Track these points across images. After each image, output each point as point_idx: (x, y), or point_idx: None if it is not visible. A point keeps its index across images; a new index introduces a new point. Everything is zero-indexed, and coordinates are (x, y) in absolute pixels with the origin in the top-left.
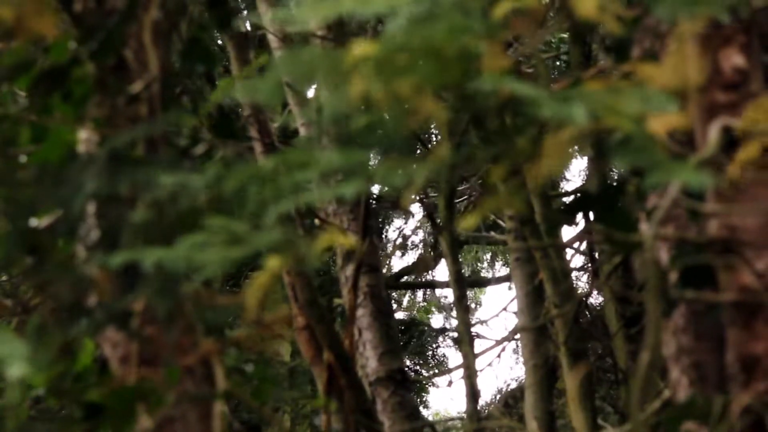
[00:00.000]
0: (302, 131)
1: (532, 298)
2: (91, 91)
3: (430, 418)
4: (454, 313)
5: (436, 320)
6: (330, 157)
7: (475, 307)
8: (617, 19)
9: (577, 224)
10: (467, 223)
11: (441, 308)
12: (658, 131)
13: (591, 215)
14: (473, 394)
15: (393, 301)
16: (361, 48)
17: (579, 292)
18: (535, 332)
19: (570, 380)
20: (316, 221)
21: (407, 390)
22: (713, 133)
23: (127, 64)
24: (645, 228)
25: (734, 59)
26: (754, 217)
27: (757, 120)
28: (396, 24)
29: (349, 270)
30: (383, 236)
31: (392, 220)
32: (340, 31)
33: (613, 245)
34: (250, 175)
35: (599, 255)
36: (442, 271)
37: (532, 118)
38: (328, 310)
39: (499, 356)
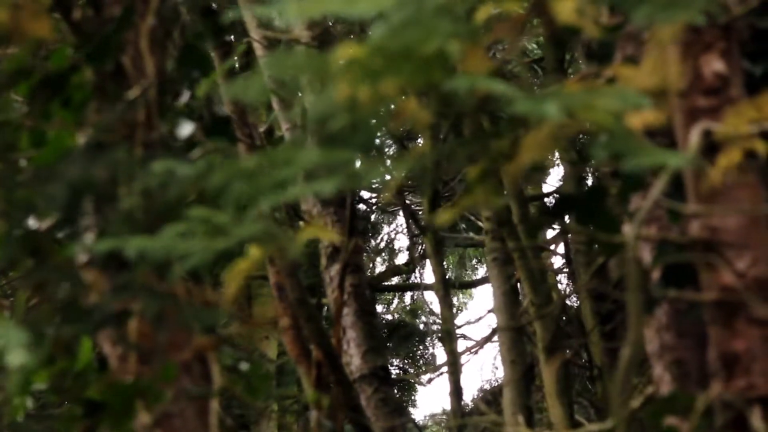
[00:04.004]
0: (287, 135)
1: (510, 298)
2: (90, 96)
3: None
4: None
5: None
6: (311, 155)
7: (458, 311)
8: (596, 24)
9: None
10: (444, 218)
11: (428, 310)
12: (636, 126)
13: (570, 217)
14: (457, 390)
15: (385, 303)
16: (346, 51)
17: (558, 292)
18: (513, 330)
19: (547, 376)
20: (301, 222)
21: (390, 387)
22: (694, 137)
23: (124, 71)
24: (628, 229)
25: (715, 65)
26: (734, 217)
27: (738, 126)
28: (381, 28)
29: (334, 270)
30: (372, 240)
31: (381, 227)
32: (325, 36)
33: (597, 246)
34: (235, 171)
35: (575, 255)
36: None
37: (510, 119)
38: (318, 309)
39: (476, 352)
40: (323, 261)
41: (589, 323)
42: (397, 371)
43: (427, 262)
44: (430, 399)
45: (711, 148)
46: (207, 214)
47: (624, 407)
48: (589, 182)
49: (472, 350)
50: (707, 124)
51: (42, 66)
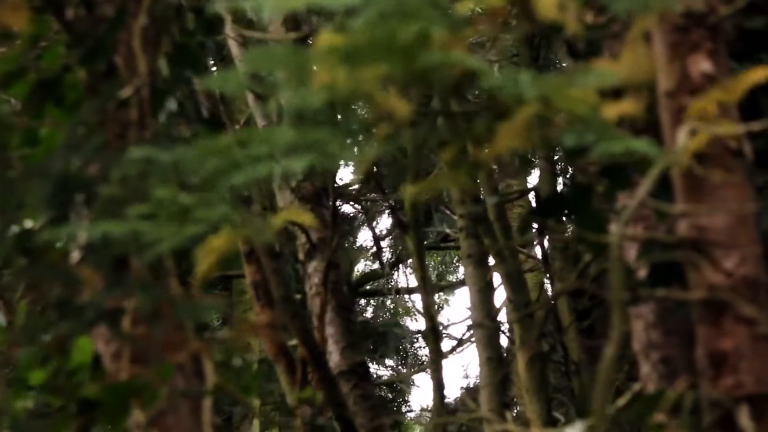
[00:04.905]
0: None
1: (485, 295)
2: (83, 96)
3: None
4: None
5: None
6: (286, 134)
7: (440, 309)
8: (578, 20)
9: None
10: (411, 192)
11: (412, 308)
12: (611, 116)
13: (556, 216)
14: (439, 387)
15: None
16: (327, 39)
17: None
18: (488, 328)
19: (524, 372)
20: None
21: (369, 383)
22: (682, 137)
23: (117, 70)
24: (614, 228)
25: (702, 65)
26: (721, 217)
27: (705, 110)
28: (364, 17)
29: (311, 267)
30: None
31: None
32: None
33: (584, 245)
34: (211, 147)
35: (552, 253)
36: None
37: (485, 103)
38: (302, 306)
39: (454, 350)
40: (301, 256)
41: (565, 319)
42: (390, 371)
43: (401, 265)
44: (424, 398)
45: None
46: (173, 195)
47: (606, 405)
48: (565, 180)
49: (457, 349)
50: (695, 124)
51: (35, 66)
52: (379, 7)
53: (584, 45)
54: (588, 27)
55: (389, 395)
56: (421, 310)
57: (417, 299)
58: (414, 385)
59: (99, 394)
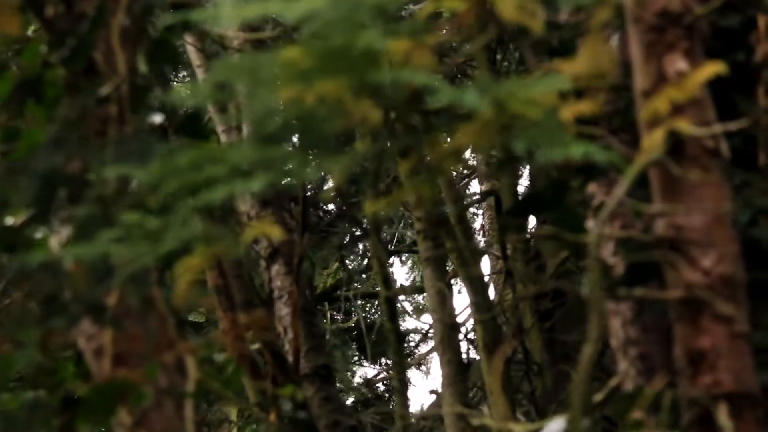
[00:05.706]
0: (223, 138)
1: (443, 297)
2: (63, 93)
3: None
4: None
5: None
6: (244, 152)
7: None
8: (538, 20)
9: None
10: (374, 208)
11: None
12: (567, 118)
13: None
14: (403, 387)
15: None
16: (289, 52)
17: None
18: (447, 328)
19: (489, 373)
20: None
21: (332, 385)
22: (658, 137)
23: (96, 67)
24: (592, 226)
25: (678, 64)
26: (699, 216)
27: (660, 109)
28: (314, 27)
29: (274, 270)
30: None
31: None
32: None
33: (561, 244)
34: (169, 168)
35: (513, 254)
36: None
37: (443, 114)
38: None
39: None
40: (263, 262)
41: (527, 320)
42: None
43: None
44: (420, 396)
45: (676, 147)
46: (139, 219)
47: (585, 404)
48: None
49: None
50: (671, 125)
51: (15, 62)
52: (327, 17)
53: (559, 44)
54: (561, 26)
55: (386, 394)
56: (410, 311)
57: (413, 300)
58: (411, 383)
59: (85, 393)
